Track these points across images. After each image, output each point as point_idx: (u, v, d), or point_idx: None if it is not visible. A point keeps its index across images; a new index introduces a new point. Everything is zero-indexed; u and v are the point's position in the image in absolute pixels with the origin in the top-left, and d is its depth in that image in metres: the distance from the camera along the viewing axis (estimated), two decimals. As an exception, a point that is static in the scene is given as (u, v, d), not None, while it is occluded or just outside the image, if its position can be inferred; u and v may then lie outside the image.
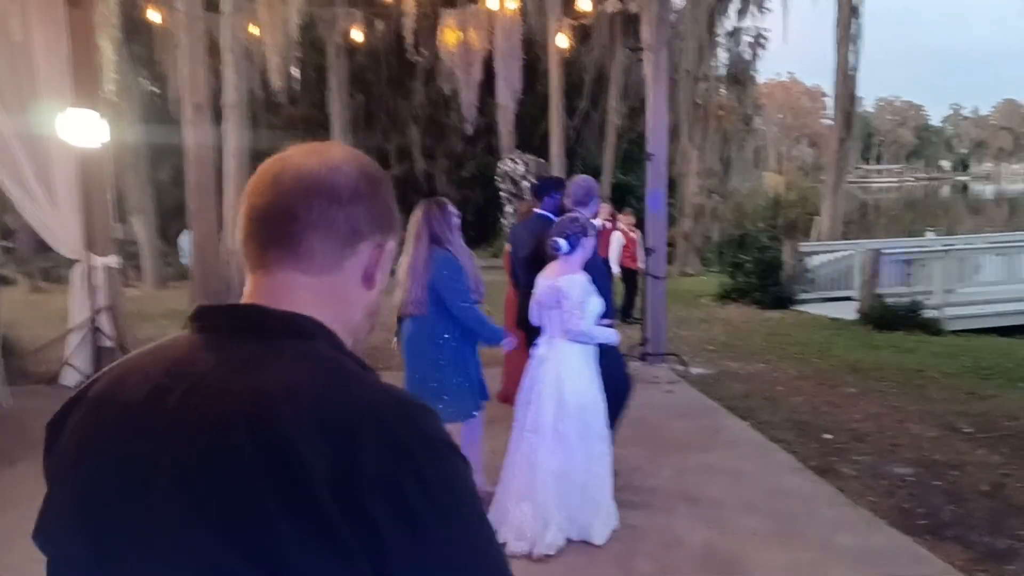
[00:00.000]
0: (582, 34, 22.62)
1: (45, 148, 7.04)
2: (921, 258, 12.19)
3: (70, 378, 7.39)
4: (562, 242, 4.30)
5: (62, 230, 7.46)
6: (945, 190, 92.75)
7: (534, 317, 4.52)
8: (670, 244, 19.35)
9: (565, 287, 4.26)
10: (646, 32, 7.55)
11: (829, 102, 24.84)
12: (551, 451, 4.18)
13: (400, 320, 4.66)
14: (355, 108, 20.73)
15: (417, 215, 4.55)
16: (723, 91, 22.25)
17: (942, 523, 4.70)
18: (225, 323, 0.93)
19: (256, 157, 20.38)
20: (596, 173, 23.72)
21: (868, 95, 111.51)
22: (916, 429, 6.36)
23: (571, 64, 23.16)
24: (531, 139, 21.12)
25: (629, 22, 15.92)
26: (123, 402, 0.90)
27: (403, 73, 21.77)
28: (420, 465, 0.81)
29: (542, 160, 17.75)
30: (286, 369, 0.85)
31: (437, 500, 0.81)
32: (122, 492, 0.86)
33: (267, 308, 0.92)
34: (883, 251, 11.92)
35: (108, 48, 6.53)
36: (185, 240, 12.66)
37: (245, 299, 0.95)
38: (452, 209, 4.61)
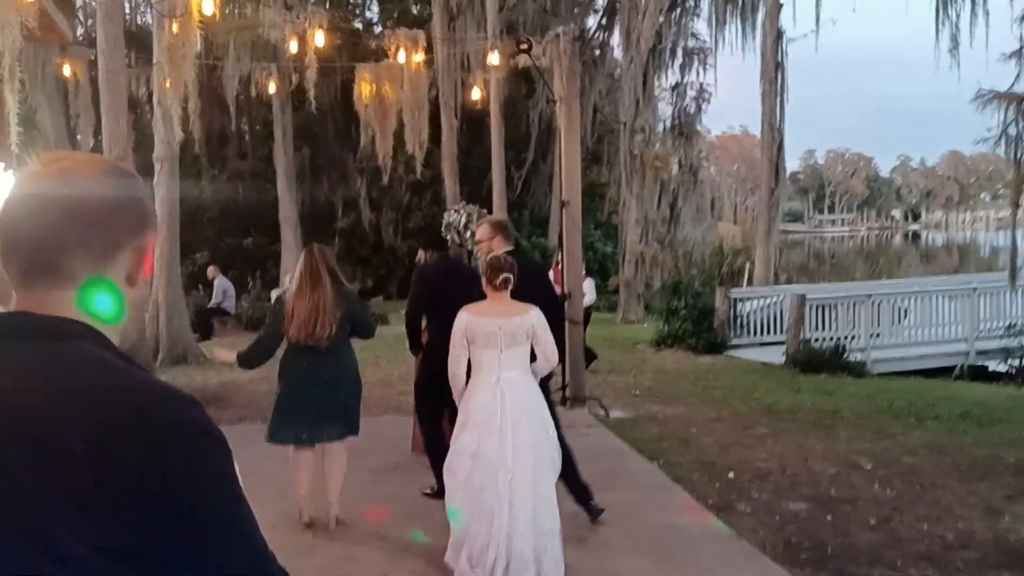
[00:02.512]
0: (528, 86, 23.17)
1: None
2: (845, 302, 12.47)
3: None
4: (511, 278, 4.25)
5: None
6: (897, 239, 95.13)
7: (460, 363, 4.27)
8: (614, 292, 19.71)
9: (539, 320, 4.22)
10: (558, 85, 7.79)
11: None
12: (528, 491, 4.05)
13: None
14: (301, 161, 20.88)
15: (310, 258, 4.82)
16: (666, 143, 22.82)
17: (825, 556, 4.78)
18: None
19: (200, 209, 20.34)
20: (544, 223, 24.08)
21: (819, 146, 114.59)
22: (818, 467, 6.47)
23: (519, 117, 23.65)
24: (479, 190, 21.39)
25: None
26: None
27: (349, 125, 22.00)
28: (172, 448, 0.90)
29: (484, 210, 17.95)
30: (48, 368, 0.93)
31: (188, 481, 0.90)
32: None
33: (33, 314, 0.97)
34: (808, 296, 12.18)
35: (12, 102, 6.53)
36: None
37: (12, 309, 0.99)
38: None
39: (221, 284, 15.50)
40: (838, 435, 7.46)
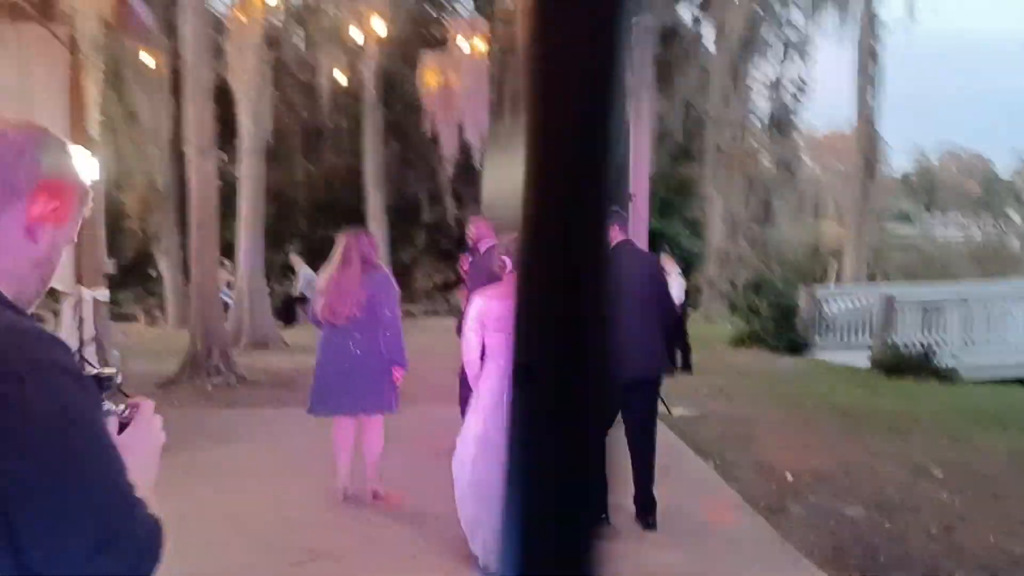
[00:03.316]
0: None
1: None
2: (938, 305, 11.82)
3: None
4: (509, 260, 4.21)
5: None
6: (1015, 242, 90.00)
7: (473, 348, 4.26)
8: (697, 290, 19.27)
9: None
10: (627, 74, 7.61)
11: (888, 151, 24.78)
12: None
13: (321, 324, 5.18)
14: (389, 155, 21.20)
15: (344, 243, 5.00)
16: (761, 138, 22.18)
17: (876, 564, 4.53)
18: None
19: (293, 201, 20.88)
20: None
21: (934, 147, 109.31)
22: (883, 472, 6.15)
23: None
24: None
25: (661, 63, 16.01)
26: None
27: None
28: (30, 386, 0.89)
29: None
30: None
31: (45, 420, 0.88)
32: None
33: None
34: (899, 297, 11.62)
35: (93, 90, 6.83)
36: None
37: None
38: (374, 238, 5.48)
39: (305, 274, 15.91)
40: (912, 440, 7.07)
